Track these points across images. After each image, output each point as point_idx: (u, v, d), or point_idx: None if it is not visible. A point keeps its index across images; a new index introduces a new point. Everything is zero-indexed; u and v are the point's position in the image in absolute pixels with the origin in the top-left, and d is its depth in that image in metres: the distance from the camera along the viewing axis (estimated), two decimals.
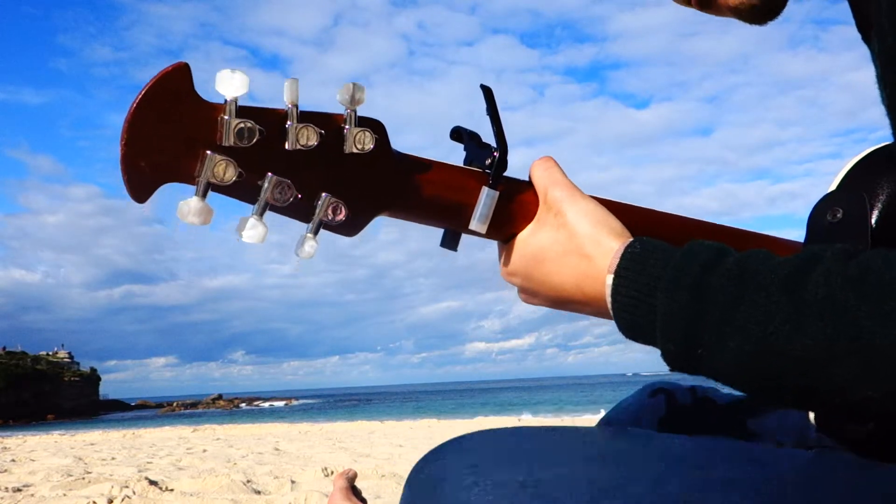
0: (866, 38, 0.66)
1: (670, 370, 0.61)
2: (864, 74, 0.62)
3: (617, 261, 0.62)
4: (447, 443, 0.59)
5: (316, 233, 0.65)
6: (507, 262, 0.74)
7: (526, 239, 0.72)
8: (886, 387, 0.47)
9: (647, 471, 0.52)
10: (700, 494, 0.50)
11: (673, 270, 0.58)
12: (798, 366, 0.50)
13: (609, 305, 0.63)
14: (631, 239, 0.65)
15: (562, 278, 0.68)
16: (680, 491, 0.50)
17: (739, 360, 0.53)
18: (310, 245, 0.65)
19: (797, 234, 0.72)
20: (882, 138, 0.66)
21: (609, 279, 0.62)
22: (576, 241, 0.67)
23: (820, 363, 0.49)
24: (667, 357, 0.58)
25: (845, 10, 0.71)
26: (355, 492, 1.03)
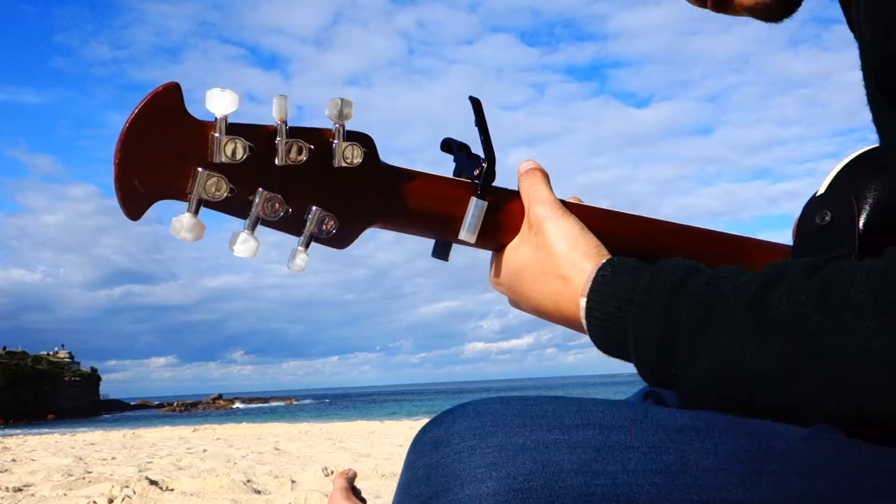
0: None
1: (649, 386, 0.62)
2: (861, 73, 0.63)
3: (589, 284, 0.64)
4: (453, 407, 0.60)
5: (307, 246, 0.66)
6: (496, 273, 0.76)
7: (510, 253, 0.73)
8: (851, 400, 0.48)
9: (644, 438, 0.53)
10: (696, 462, 0.51)
11: (642, 293, 0.59)
12: (765, 383, 0.51)
13: (584, 326, 0.65)
14: (604, 261, 0.66)
15: (541, 296, 0.70)
16: (676, 458, 0.51)
17: (709, 379, 0.54)
18: (301, 258, 0.66)
19: None
20: None
21: (582, 302, 0.64)
22: (552, 262, 0.69)
23: (785, 380, 0.50)
24: (643, 375, 0.60)
25: None
26: (355, 492, 1.04)
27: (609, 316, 0.61)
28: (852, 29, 0.68)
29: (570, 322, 0.69)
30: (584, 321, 0.64)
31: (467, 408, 0.58)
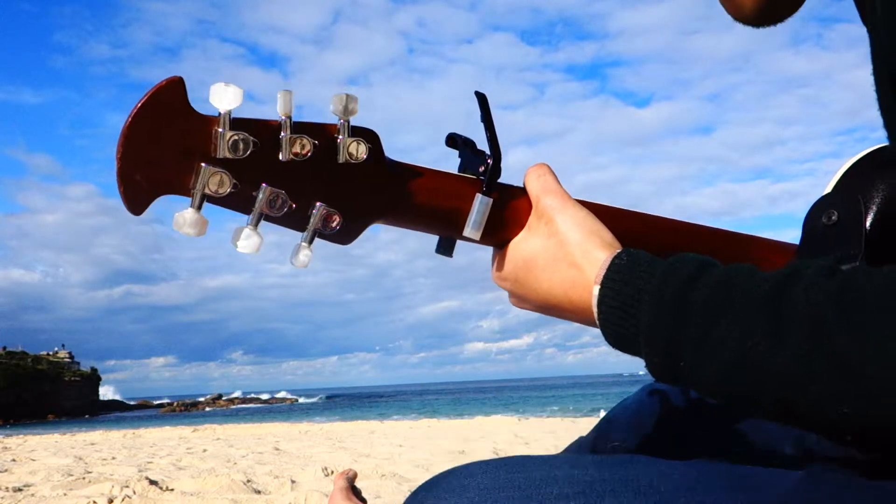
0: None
1: (655, 380, 0.61)
2: (866, 72, 0.63)
3: (603, 272, 0.63)
4: (437, 478, 0.60)
5: (311, 242, 0.66)
6: (499, 268, 0.75)
7: (517, 245, 0.73)
8: (863, 404, 0.48)
9: (640, 501, 0.53)
10: None
11: (657, 283, 0.59)
12: (776, 381, 0.51)
13: (595, 315, 0.64)
14: (619, 250, 0.65)
15: (551, 286, 0.69)
16: None
17: (719, 374, 0.54)
18: (304, 254, 0.66)
19: (798, 233, 0.73)
20: (884, 138, 0.66)
21: (595, 289, 0.63)
22: (565, 250, 0.68)
23: (797, 379, 0.50)
24: (651, 368, 0.59)
25: (849, 7, 0.71)
26: (355, 492, 1.03)
27: (622, 304, 0.60)
28: (866, 26, 0.68)
29: (579, 312, 0.68)
30: (595, 309, 0.63)
31: (451, 481, 0.58)
